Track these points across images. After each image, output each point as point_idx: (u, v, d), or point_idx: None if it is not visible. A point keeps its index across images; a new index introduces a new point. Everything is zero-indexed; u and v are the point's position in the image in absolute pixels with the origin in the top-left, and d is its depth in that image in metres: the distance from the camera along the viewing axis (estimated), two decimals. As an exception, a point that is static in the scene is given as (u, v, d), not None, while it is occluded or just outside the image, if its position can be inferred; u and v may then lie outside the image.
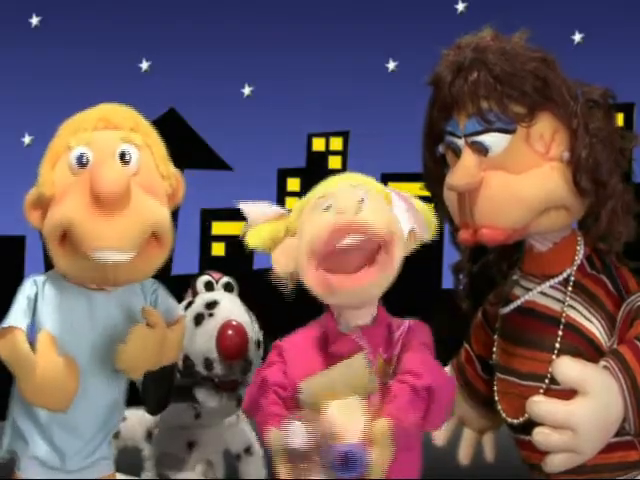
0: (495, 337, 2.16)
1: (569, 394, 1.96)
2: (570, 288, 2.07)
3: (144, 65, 4.15)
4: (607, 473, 2.02)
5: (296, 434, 1.78)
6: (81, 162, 1.96)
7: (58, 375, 1.92)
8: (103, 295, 2.03)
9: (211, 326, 2.44)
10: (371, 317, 1.95)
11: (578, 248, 2.09)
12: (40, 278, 2.02)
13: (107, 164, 1.94)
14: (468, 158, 2.02)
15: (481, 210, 1.99)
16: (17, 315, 1.97)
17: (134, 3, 4.14)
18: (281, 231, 1.95)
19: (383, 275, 1.88)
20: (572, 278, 2.08)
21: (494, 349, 2.16)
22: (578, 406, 1.93)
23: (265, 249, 1.97)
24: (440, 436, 2.30)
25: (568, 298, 2.07)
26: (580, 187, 1.99)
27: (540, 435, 1.95)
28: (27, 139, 4.08)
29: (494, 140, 2.01)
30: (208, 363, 2.43)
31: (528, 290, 2.11)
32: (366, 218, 1.86)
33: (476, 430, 2.36)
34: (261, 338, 2.51)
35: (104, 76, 4.00)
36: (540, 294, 2.09)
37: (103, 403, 2.07)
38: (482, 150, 2.01)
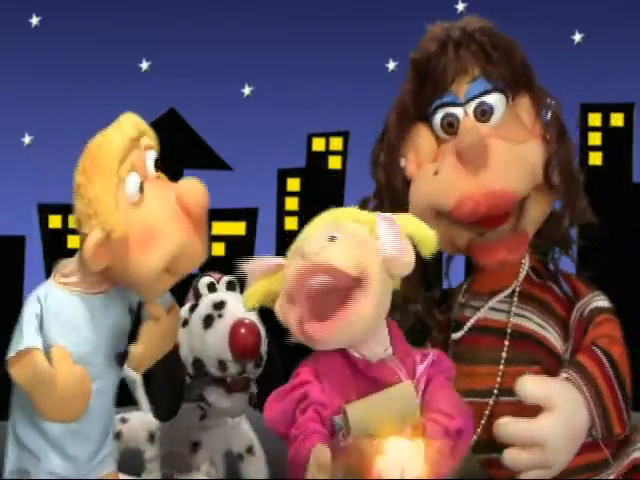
0: None
1: (521, 406, 1.97)
2: (515, 299, 2.08)
3: (144, 65, 4.15)
4: (578, 475, 2.02)
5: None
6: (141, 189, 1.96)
7: (76, 385, 1.94)
8: (101, 297, 2.04)
9: (222, 327, 2.41)
10: (384, 347, 1.90)
11: (523, 261, 2.10)
12: (41, 293, 2.01)
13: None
14: (471, 121, 2.03)
15: (491, 173, 1.98)
16: (31, 335, 1.95)
17: (134, 3, 4.14)
18: (276, 283, 1.89)
19: (359, 314, 1.81)
20: (517, 289, 2.09)
21: None
22: (545, 422, 1.94)
23: (265, 305, 1.92)
24: None
25: (514, 308, 2.08)
26: (551, 180, 2.02)
27: (510, 455, 1.95)
28: (27, 139, 4.07)
29: (498, 102, 2.03)
30: (222, 364, 2.41)
31: (477, 309, 2.12)
32: (329, 258, 1.80)
33: None
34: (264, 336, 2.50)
35: (104, 76, 4.00)
36: (490, 310, 2.11)
37: (108, 402, 2.08)
38: (486, 113, 2.02)
